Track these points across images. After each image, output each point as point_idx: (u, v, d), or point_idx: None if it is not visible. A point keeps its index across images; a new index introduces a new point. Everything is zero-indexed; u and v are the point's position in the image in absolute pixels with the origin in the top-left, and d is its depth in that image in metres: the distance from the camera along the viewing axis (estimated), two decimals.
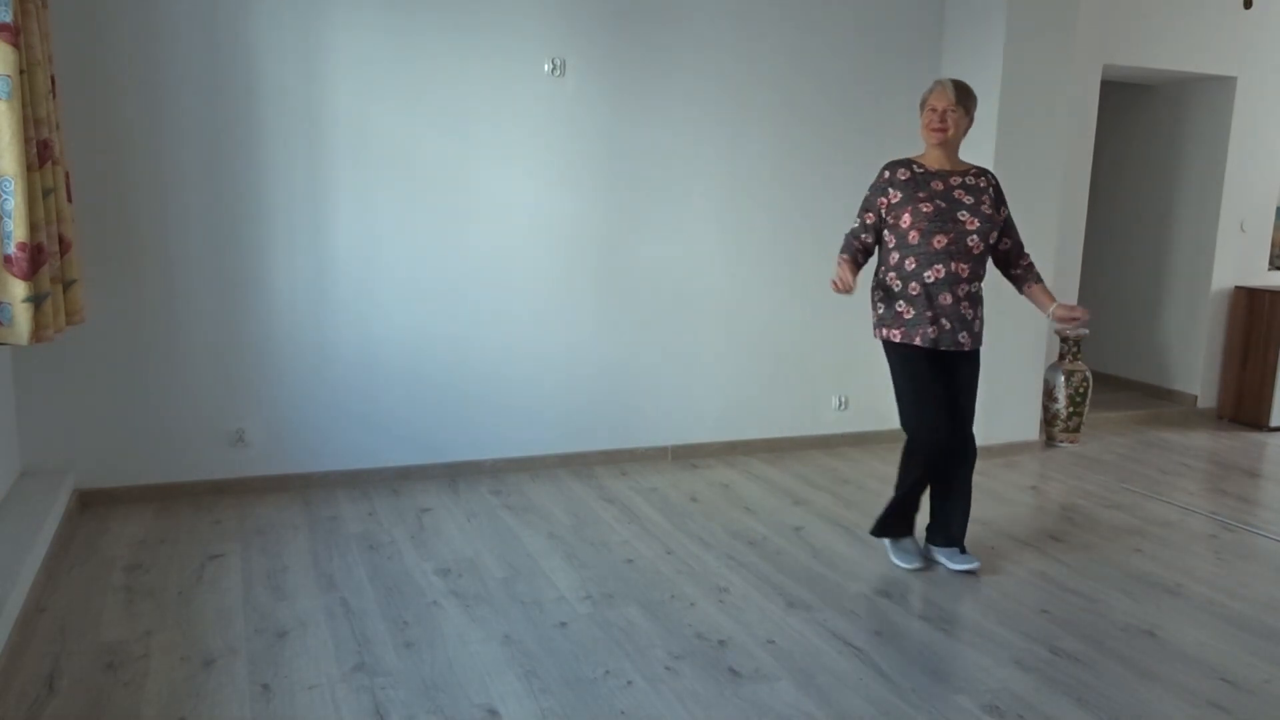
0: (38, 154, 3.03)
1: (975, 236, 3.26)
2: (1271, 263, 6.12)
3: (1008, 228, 3.41)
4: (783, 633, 2.93)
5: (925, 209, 3.24)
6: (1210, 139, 5.91)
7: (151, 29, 3.71)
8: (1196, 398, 6.05)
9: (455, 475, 4.39)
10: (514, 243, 4.34)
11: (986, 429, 4.95)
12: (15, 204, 2.85)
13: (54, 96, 3.21)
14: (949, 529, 3.47)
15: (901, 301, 3.30)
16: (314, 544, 3.55)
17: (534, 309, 4.43)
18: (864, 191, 4.91)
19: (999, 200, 3.36)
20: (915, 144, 5.00)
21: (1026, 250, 3.52)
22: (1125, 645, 2.91)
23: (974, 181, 3.34)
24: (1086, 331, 3.34)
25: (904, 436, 3.43)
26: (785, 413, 5.01)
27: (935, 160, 3.35)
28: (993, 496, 4.35)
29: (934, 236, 3.24)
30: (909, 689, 2.62)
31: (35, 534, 3.13)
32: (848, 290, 3.20)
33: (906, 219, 3.27)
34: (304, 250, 4.03)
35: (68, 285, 3.34)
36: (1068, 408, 5.22)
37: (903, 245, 3.29)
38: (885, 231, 3.36)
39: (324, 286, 4.08)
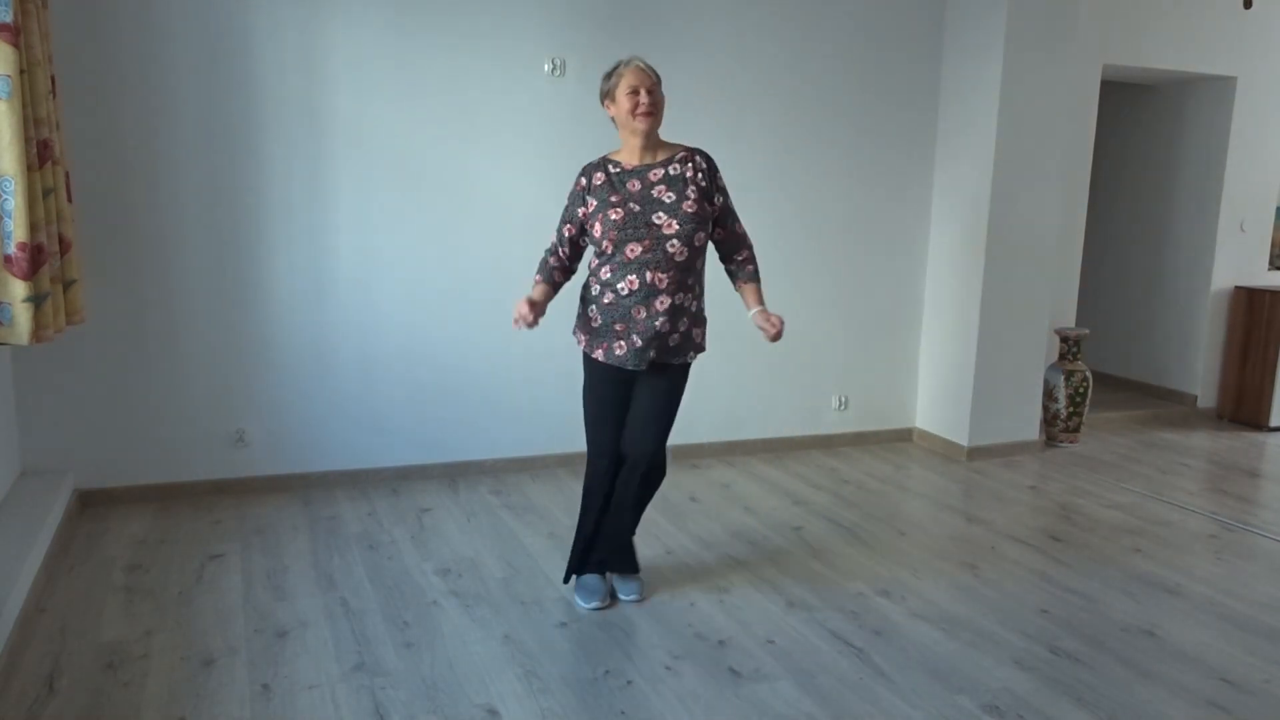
0: (38, 154, 3.03)
1: (676, 242, 2.86)
2: (1271, 263, 6.12)
3: (724, 215, 3.02)
4: (783, 633, 2.93)
5: (614, 215, 2.88)
6: (1210, 139, 5.90)
7: (151, 29, 3.71)
8: (1196, 398, 6.05)
9: (455, 475, 4.39)
10: (514, 242, 4.34)
11: (987, 429, 4.95)
12: (15, 204, 2.85)
13: (54, 96, 3.21)
14: (627, 555, 3.18)
15: (594, 308, 2.97)
16: (314, 544, 3.55)
17: None
18: (864, 190, 4.93)
19: (711, 188, 2.96)
20: (914, 144, 5.01)
21: (750, 244, 3.12)
22: (1125, 645, 2.91)
23: (679, 170, 2.93)
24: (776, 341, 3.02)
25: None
26: (785, 413, 5.01)
27: (634, 154, 2.97)
28: (993, 496, 4.35)
29: (626, 245, 2.87)
30: (909, 689, 2.62)
31: (35, 534, 3.13)
32: (528, 324, 2.87)
33: (598, 227, 2.90)
34: (304, 250, 4.03)
35: (68, 285, 3.34)
36: (1068, 408, 5.22)
37: (599, 253, 2.95)
38: (583, 238, 3.03)
39: (324, 286, 4.08)
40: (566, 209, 3.05)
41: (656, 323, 2.89)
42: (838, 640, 2.89)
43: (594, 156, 4.39)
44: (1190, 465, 4.97)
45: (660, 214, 2.88)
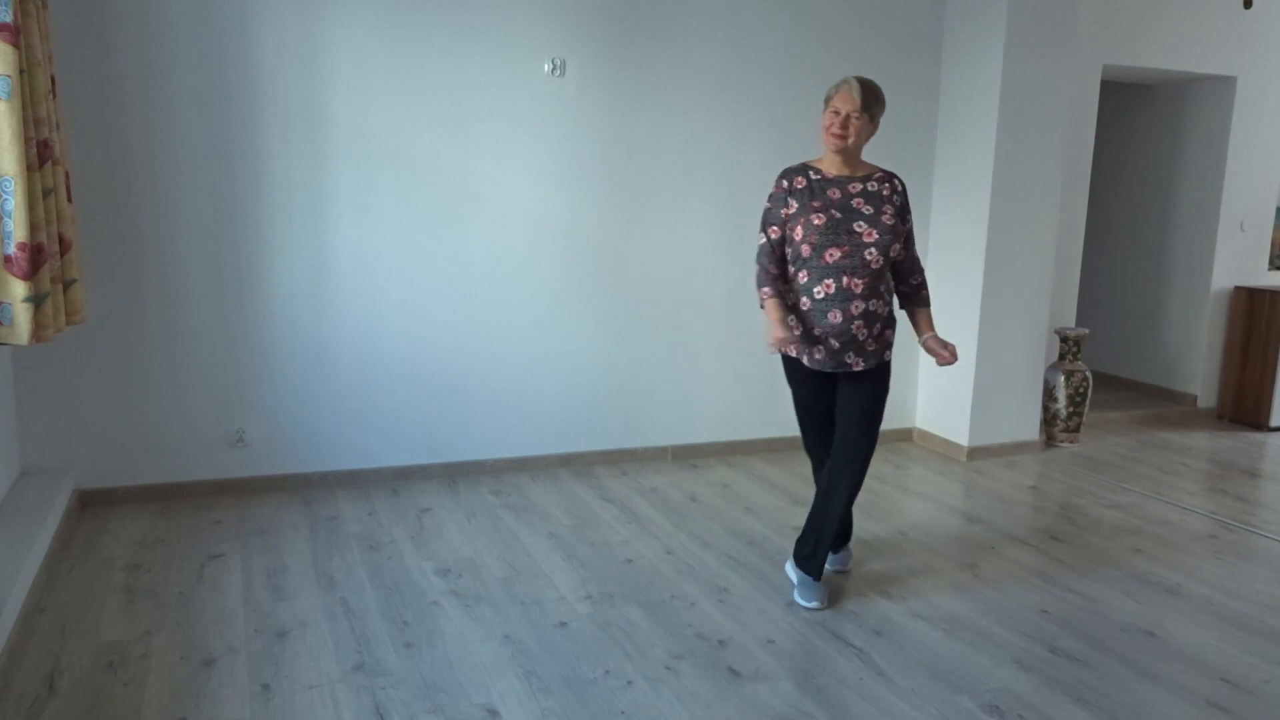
0: (38, 154, 3.03)
1: (874, 250, 2.96)
2: (1271, 263, 6.11)
3: (907, 238, 3.11)
4: (783, 633, 2.93)
5: (816, 220, 2.96)
6: (1210, 139, 5.90)
7: (151, 29, 3.71)
8: (1196, 398, 6.05)
9: (455, 475, 4.39)
10: (514, 242, 4.34)
11: (987, 429, 4.95)
12: (15, 204, 2.85)
13: (54, 96, 3.21)
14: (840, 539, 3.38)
15: (794, 316, 3.04)
16: (314, 544, 3.55)
17: (534, 309, 4.43)
18: None
19: (904, 209, 3.08)
20: (914, 144, 5.01)
21: (922, 269, 3.22)
22: (1125, 645, 2.91)
23: (876, 188, 3.05)
24: (954, 362, 3.12)
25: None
26: (785, 413, 4.95)
27: (833, 165, 3.07)
28: (993, 496, 4.35)
29: (826, 250, 2.95)
30: (909, 689, 2.62)
31: (35, 534, 3.13)
32: (792, 339, 2.92)
33: (799, 231, 2.99)
34: (304, 250, 4.03)
35: (68, 285, 3.34)
36: (1068, 408, 5.22)
37: (796, 258, 3.02)
38: (785, 246, 3.07)
39: (324, 286, 4.08)
40: (769, 211, 3.10)
41: (851, 326, 2.98)
42: (838, 640, 2.89)
43: (594, 156, 4.45)
44: (1190, 465, 4.97)
45: (860, 223, 2.99)
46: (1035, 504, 4.27)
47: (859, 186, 3.05)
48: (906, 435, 5.27)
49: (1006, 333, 4.90)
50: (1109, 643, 2.92)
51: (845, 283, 2.95)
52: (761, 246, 3.09)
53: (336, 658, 2.71)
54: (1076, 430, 5.28)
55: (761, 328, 4.84)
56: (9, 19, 2.77)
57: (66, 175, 3.35)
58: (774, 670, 2.70)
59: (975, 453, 4.94)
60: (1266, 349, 5.76)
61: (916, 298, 3.19)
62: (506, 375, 4.42)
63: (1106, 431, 5.60)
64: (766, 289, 3.04)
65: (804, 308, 3.01)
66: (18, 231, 2.87)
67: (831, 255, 2.96)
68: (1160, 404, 6.14)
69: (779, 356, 3.21)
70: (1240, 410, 5.92)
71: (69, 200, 3.34)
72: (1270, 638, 2.99)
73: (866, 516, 4.01)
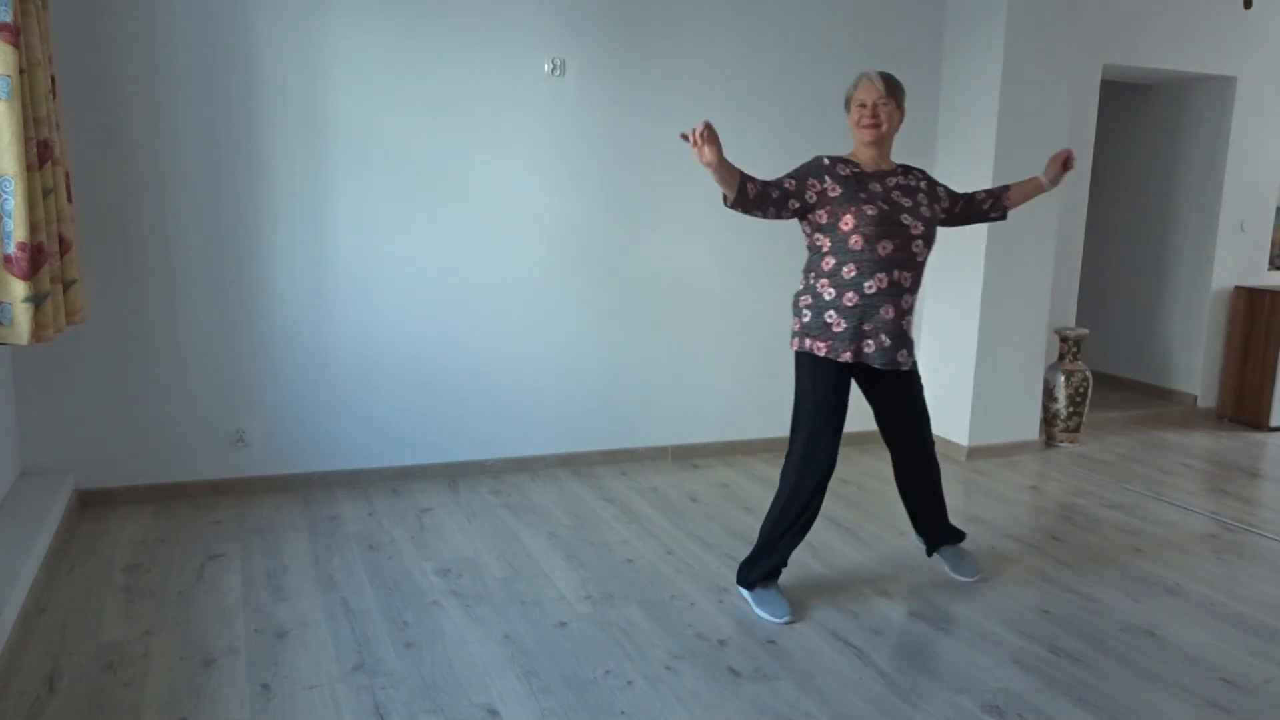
0: (38, 154, 3.03)
1: (920, 242, 2.96)
2: (1271, 263, 6.11)
3: (953, 198, 3.18)
4: (783, 633, 2.93)
5: (870, 211, 2.89)
6: (1210, 139, 5.90)
7: (151, 29, 3.71)
8: (1196, 398, 6.05)
9: (455, 475, 4.39)
10: (514, 242, 4.34)
11: (987, 429, 4.95)
12: (15, 204, 2.85)
13: (54, 96, 3.20)
14: (949, 530, 3.40)
15: (833, 312, 2.95)
16: (314, 544, 3.55)
17: (534, 309, 4.43)
18: None
19: (934, 193, 3.11)
20: (913, 144, 5.01)
21: (974, 191, 3.28)
22: (1125, 645, 2.91)
23: (908, 181, 3.06)
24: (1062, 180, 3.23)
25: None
26: (785, 413, 4.91)
27: (869, 159, 3.03)
28: (993, 496, 4.35)
29: (879, 242, 2.89)
30: (909, 689, 2.62)
31: (35, 534, 3.13)
32: (699, 136, 2.70)
33: (849, 220, 2.90)
34: (304, 250, 4.03)
35: (68, 285, 3.34)
36: (1068, 408, 5.22)
37: (840, 250, 2.93)
38: (819, 235, 2.99)
39: (324, 286, 4.08)
40: (799, 170, 3.00)
41: (902, 322, 2.98)
42: (838, 640, 2.89)
43: (594, 156, 4.44)
44: (1190, 465, 4.97)
45: (906, 215, 2.96)
46: (1035, 504, 4.27)
47: (894, 180, 3.04)
48: None
49: (1006, 333, 4.90)
50: (1109, 643, 2.92)
51: (896, 276, 2.93)
52: (765, 183, 2.92)
53: (336, 658, 2.71)
54: (1076, 430, 5.28)
55: (759, 327, 4.84)
56: (9, 19, 2.77)
57: (66, 175, 3.34)
58: (774, 670, 2.70)
59: (975, 453, 4.94)
60: (1266, 349, 5.76)
61: (999, 190, 3.25)
62: (507, 375, 4.42)
63: (1106, 431, 5.60)
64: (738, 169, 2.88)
65: (849, 303, 2.93)
66: (18, 231, 2.87)
67: (884, 248, 2.90)
68: (1160, 404, 6.14)
69: (799, 358, 3.07)
70: (1240, 410, 5.92)
71: (69, 200, 3.34)
72: (1270, 638, 2.99)
73: (866, 516, 4.01)
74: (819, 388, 3.02)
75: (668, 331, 4.68)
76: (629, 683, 2.61)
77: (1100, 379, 6.52)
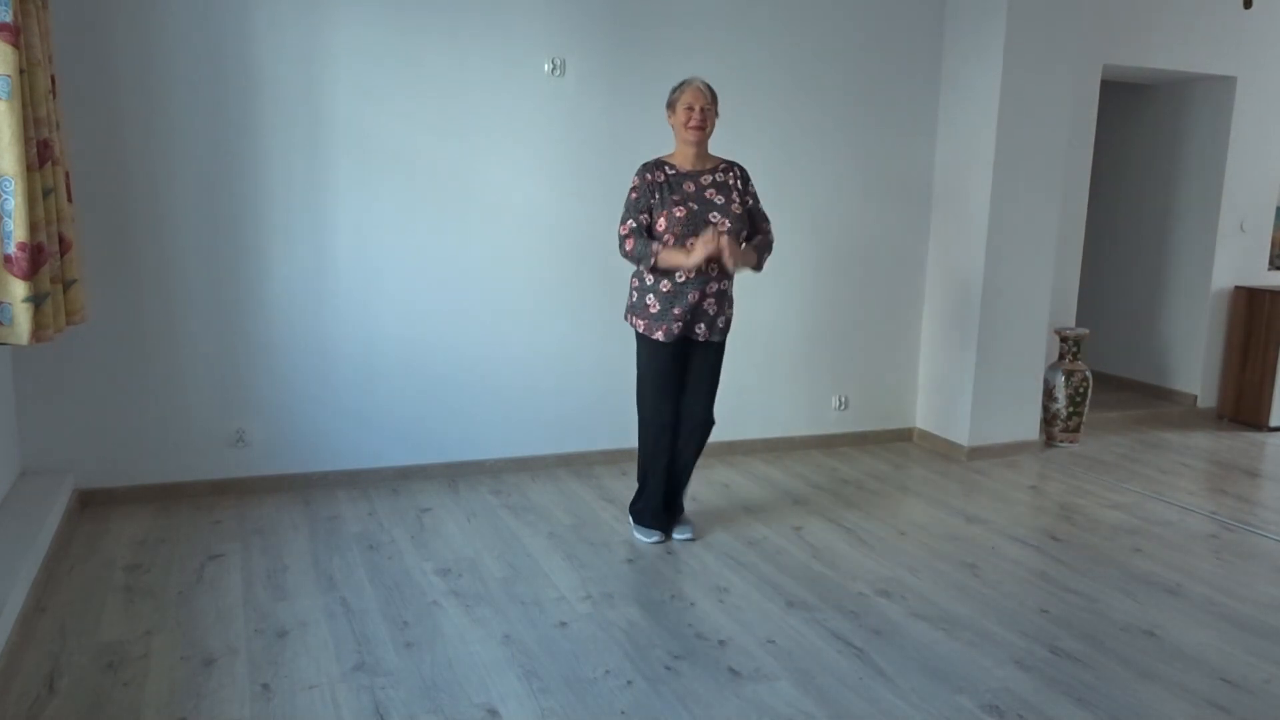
0: (38, 154, 3.03)
1: (725, 238, 3.33)
2: (1271, 263, 6.11)
3: (756, 219, 3.55)
4: (783, 633, 2.93)
5: (678, 213, 3.36)
6: (1210, 139, 5.90)
7: (151, 29, 3.71)
8: (1196, 398, 6.05)
9: (455, 475, 4.39)
10: (514, 242, 4.34)
11: (987, 429, 4.95)
12: (15, 204, 2.85)
13: (54, 96, 3.21)
14: (675, 498, 3.74)
15: (651, 295, 3.44)
16: (314, 544, 3.55)
17: (534, 308, 4.43)
18: (864, 189, 4.93)
19: (746, 193, 3.51)
20: (913, 143, 5.01)
21: (766, 229, 3.59)
22: (1125, 645, 2.91)
23: (724, 178, 3.47)
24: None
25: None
26: (785, 413, 5.01)
27: (687, 159, 3.46)
28: (993, 496, 4.35)
29: (686, 240, 3.35)
30: (909, 689, 2.62)
31: (35, 534, 3.13)
32: (712, 243, 3.26)
33: (662, 222, 3.38)
34: (304, 250, 4.03)
35: (68, 285, 3.34)
36: (1068, 408, 5.22)
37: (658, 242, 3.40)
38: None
39: (324, 286, 4.08)
40: (635, 201, 3.44)
41: (705, 304, 3.43)
42: (838, 640, 2.89)
43: (593, 156, 4.44)
44: (1190, 465, 4.97)
45: (715, 213, 3.40)
46: (1035, 504, 4.27)
47: (709, 178, 3.47)
48: (906, 435, 5.27)
49: (1006, 333, 4.90)
50: (1109, 643, 2.92)
51: (703, 268, 3.37)
52: (633, 230, 3.41)
53: (336, 658, 2.71)
54: (1076, 430, 5.28)
55: (759, 327, 4.84)
56: (9, 19, 2.77)
57: (66, 175, 3.35)
58: (774, 670, 2.70)
59: (975, 452, 4.94)
60: (1266, 349, 5.76)
61: (756, 239, 3.57)
62: (506, 375, 4.42)
63: (1106, 431, 5.60)
64: (655, 246, 3.38)
65: (664, 289, 3.42)
66: (18, 231, 2.87)
67: (690, 244, 3.35)
68: (1160, 404, 6.14)
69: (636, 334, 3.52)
70: (1240, 410, 5.92)
71: (69, 200, 3.34)
72: (1270, 638, 2.99)
73: (866, 516, 4.01)
74: (650, 359, 3.51)
75: None
76: (629, 683, 2.61)
77: (1100, 379, 6.51)
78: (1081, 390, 5.23)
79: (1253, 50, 5.73)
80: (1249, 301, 5.87)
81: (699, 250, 3.29)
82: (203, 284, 3.92)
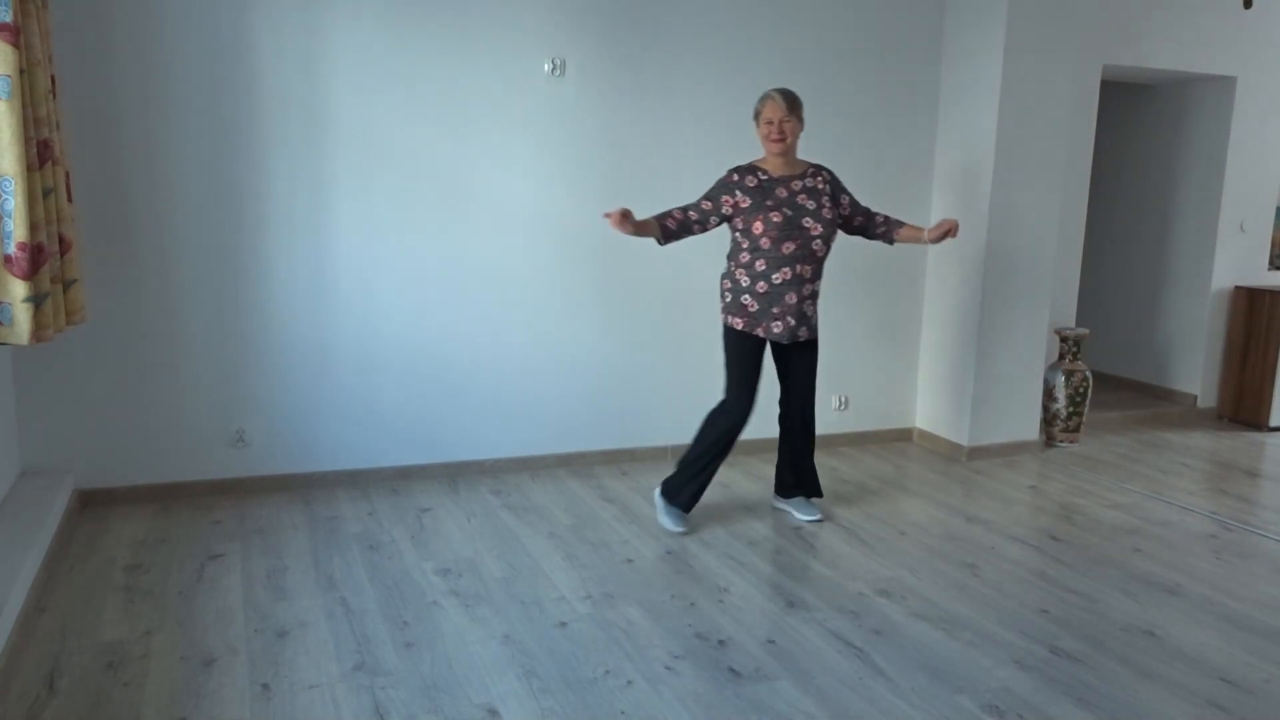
0: (38, 154, 3.03)
1: (819, 242, 3.58)
2: (1271, 263, 6.11)
3: (854, 209, 3.75)
4: (783, 633, 2.93)
5: (775, 218, 3.53)
6: (1210, 139, 5.90)
7: (151, 29, 3.71)
8: (1196, 397, 6.05)
9: (455, 475, 4.39)
10: (514, 243, 4.34)
11: (987, 429, 4.95)
12: (15, 204, 2.85)
13: (54, 96, 3.21)
14: (804, 484, 3.96)
15: (746, 295, 3.61)
16: (314, 544, 3.55)
17: (534, 309, 4.43)
18: (864, 190, 4.92)
19: (837, 194, 3.70)
20: (913, 143, 5.01)
21: (875, 211, 3.84)
22: (1125, 645, 2.91)
23: (813, 183, 3.64)
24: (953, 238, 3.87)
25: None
26: None
27: (777, 166, 3.64)
28: (993, 496, 4.35)
29: (783, 243, 3.53)
30: (909, 689, 2.62)
31: (35, 534, 3.13)
32: (614, 222, 3.51)
33: (758, 226, 3.55)
34: (304, 250, 4.03)
35: (68, 285, 3.34)
36: (1068, 407, 5.22)
37: (754, 249, 3.58)
38: (737, 234, 3.63)
39: (324, 286, 4.08)
40: (712, 191, 3.66)
41: (804, 305, 3.62)
42: (838, 640, 2.89)
43: (594, 156, 4.44)
44: (1190, 465, 4.97)
45: (808, 219, 3.58)
46: (1035, 504, 4.27)
47: (800, 184, 3.63)
48: (906, 435, 5.27)
49: (1006, 333, 4.90)
50: (1109, 643, 2.92)
51: (799, 270, 3.57)
52: (689, 206, 3.65)
53: (336, 658, 2.71)
54: (1076, 430, 5.28)
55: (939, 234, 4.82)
56: (9, 19, 2.77)
57: (66, 175, 3.35)
58: (774, 670, 2.70)
59: (975, 452, 4.94)
60: (1266, 349, 5.76)
61: (891, 224, 3.79)
62: (506, 375, 4.42)
63: (1106, 431, 5.60)
64: (654, 217, 3.62)
65: (761, 290, 3.59)
66: (18, 231, 2.87)
67: (787, 248, 3.54)
68: (1160, 404, 6.14)
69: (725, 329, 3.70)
70: (1240, 410, 5.92)
71: (69, 200, 3.35)
72: (1270, 638, 2.99)
73: (867, 516, 4.01)
74: (742, 355, 3.66)
75: (668, 331, 4.68)
76: (629, 683, 2.61)
77: (1100, 379, 6.52)
78: (1081, 390, 5.23)
79: (1253, 50, 5.73)
80: (1249, 301, 5.87)
81: (940, 228, 3.63)
82: (203, 284, 3.92)
